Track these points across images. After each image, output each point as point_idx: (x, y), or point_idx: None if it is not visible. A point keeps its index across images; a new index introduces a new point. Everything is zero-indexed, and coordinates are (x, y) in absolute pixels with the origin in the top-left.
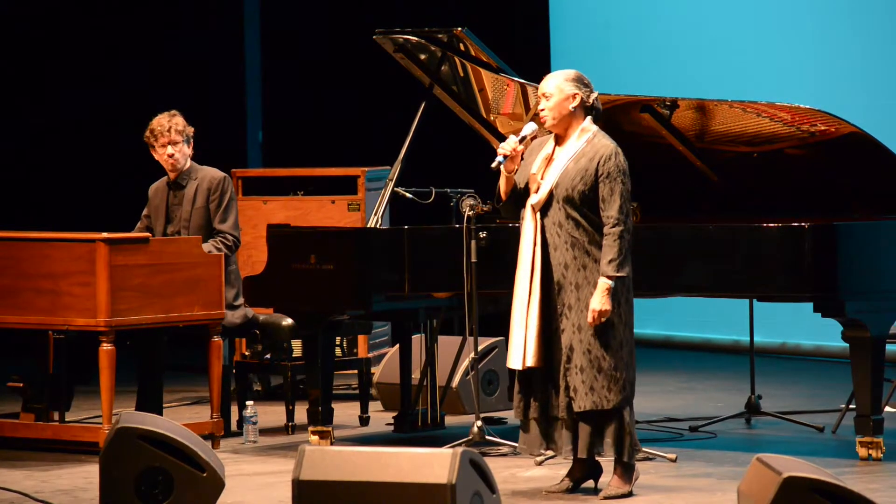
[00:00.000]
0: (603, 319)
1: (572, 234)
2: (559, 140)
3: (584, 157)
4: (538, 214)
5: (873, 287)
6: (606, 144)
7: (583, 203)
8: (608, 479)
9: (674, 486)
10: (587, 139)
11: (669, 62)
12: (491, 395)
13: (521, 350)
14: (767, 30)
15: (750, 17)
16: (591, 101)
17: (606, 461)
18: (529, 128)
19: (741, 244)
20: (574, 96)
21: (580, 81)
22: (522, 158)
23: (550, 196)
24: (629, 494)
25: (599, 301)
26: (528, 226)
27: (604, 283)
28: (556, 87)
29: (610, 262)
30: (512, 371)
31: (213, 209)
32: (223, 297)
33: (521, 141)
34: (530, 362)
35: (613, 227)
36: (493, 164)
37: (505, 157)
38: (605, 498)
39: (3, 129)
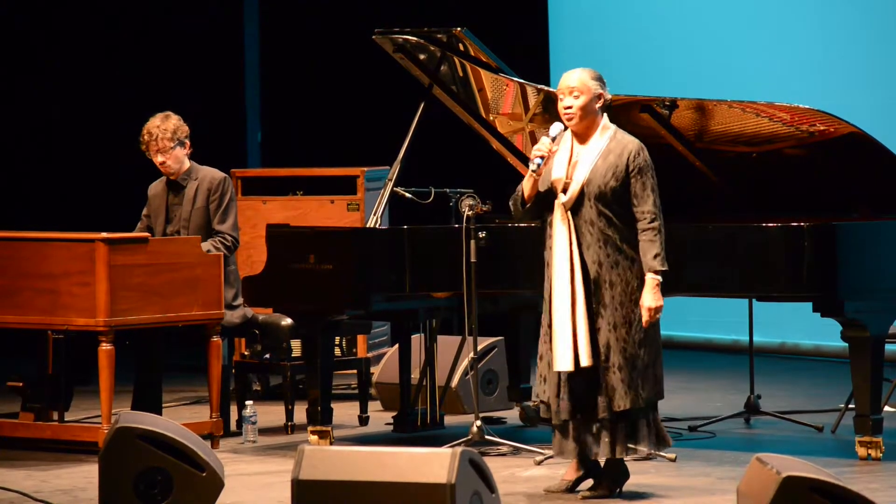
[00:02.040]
0: (658, 316)
1: (605, 232)
2: (579, 138)
3: (611, 154)
4: (569, 213)
5: (872, 287)
6: (632, 140)
7: (614, 200)
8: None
9: (673, 486)
10: (610, 136)
11: (669, 62)
12: (490, 395)
13: (572, 351)
14: (767, 29)
15: (750, 17)
16: (609, 100)
17: (629, 461)
18: (557, 127)
19: (740, 244)
20: (600, 96)
21: (601, 80)
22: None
23: (581, 194)
24: (608, 495)
25: (653, 298)
26: (561, 226)
27: (652, 279)
28: (584, 84)
29: (655, 256)
30: (513, 371)
31: (213, 209)
32: (222, 297)
33: (553, 140)
34: (585, 362)
35: (651, 221)
36: (533, 168)
37: (542, 158)
38: (584, 498)
39: (2, 129)
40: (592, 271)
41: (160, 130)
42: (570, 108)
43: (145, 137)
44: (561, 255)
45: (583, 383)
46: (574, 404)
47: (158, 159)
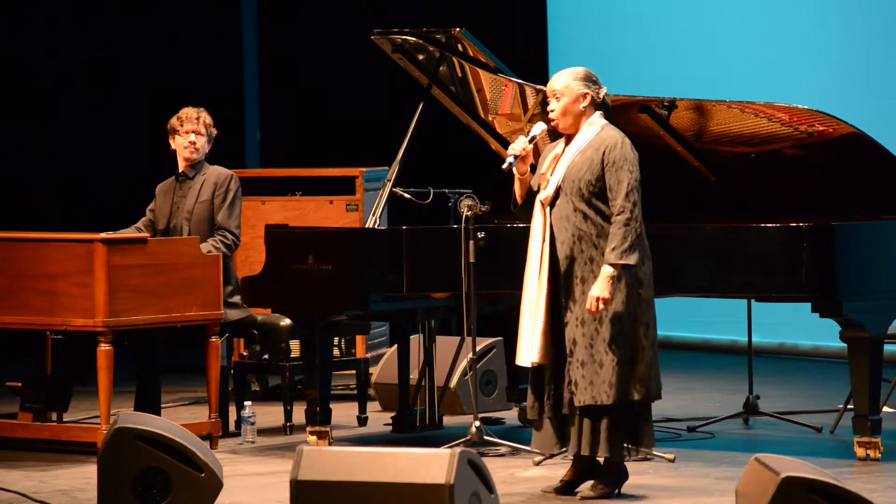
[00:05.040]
0: (602, 307)
1: (579, 227)
2: (568, 137)
3: (590, 149)
4: (547, 209)
5: (871, 287)
6: (612, 135)
7: (591, 194)
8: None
9: (672, 487)
10: (595, 132)
11: (667, 62)
12: (489, 396)
13: (529, 346)
14: (767, 29)
15: (749, 17)
16: (601, 97)
17: (628, 461)
18: (538, 128)
19: (739, 244)
20: (584, 96)
21: (589, 80)
22: (535, 159)
23: (558, 190)
24: (607, 496)
25: (600, 288)
26: (538, 221)
27: (606, 271)
28: (566, 87)
29: (613, 249)
30: (512, 371)
31: (217, 204)
32: (221, 298)
33: (530, 141)
34: (535, 358)
35: (619, 214)
36: (504, 166)
37: (515, 157)
38: (583, 498)
39: (2, 130)
40: (564, 265)
41: (201, 114)
42: (552, 111)
43: (183, 116)
44: (533, 252)
45: (558, 379)
46: (551, 400)
47: (191, 138)
